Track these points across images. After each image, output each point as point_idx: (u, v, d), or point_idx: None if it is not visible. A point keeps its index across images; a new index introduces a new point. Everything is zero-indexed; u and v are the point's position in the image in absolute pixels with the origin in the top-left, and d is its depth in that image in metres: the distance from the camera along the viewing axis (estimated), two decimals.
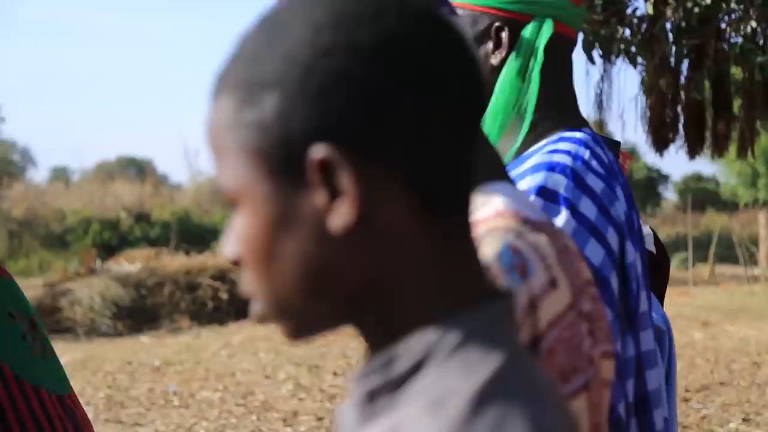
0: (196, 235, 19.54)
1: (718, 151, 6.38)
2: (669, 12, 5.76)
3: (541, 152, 1.32)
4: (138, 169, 54.70)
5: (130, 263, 12.22)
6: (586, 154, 1.30)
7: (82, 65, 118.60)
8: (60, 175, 52.71)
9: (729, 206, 30.36)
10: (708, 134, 6.30)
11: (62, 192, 29.68)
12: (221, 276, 11.95)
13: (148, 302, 11.26)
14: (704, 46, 5.83)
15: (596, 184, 1.28)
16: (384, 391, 0.67)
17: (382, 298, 0.67)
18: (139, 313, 11.04)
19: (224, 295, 11.70)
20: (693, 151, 6.30)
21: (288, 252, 0.66)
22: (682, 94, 6.17)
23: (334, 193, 0.64)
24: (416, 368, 0.65)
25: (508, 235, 0.94)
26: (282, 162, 0.65)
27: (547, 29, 1.33)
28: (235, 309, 11.76)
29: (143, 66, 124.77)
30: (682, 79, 6.13)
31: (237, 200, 0.68)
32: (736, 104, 6.49)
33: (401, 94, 0.64)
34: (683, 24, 5.82)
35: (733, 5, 5.86)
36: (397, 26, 0.65)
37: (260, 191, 0.66)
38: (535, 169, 1.27)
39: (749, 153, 6.41)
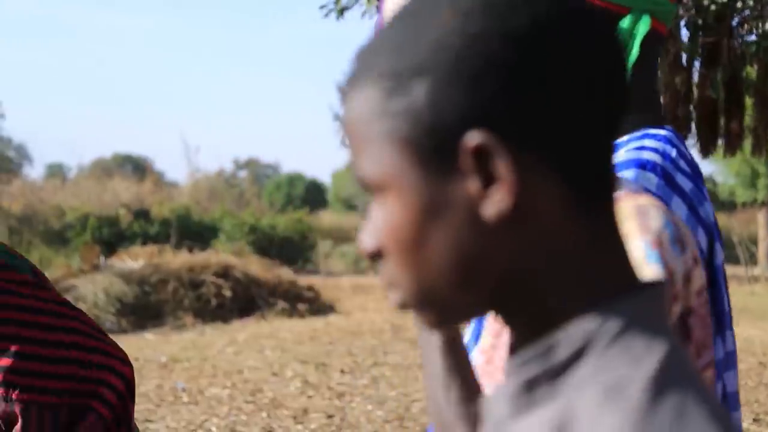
0: (196, 232, 19.52)
1: (731, 149, 6.36)
2: (683, 10, 5.75)
3: (625, 148, 1.29)
4: (134, 166, 54.70)
5: (133, 260, 12.19)
6: (674, 153, 1.28)
7: (76, 62, 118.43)
8: (56, 171, 52.69)
9: (727, 206, 30.44)
10: (721, 132, 6.29)
11: (59, 189, 29.64)
12: (224, 273, 11.94)
13: (152, 299, 11.23)
14: (719, 43, 5.82)
15: (685, 184, 1.26)
16: (544, 380, 0.65)
17: (532, 287, 0.66)
18: (142, 309, 11.01)
19: (227, 293, 11.68)
20: (706, 150, 6.28)
21: (437, 240, 0.65)
22: (696, 92, 6.16)
23: (488, 181, 0.63)
24: (577, 356, 0.64)
25: (665, 210, 0.94)
26: (433, 149, 0.64)
27: (645, 24, 1.30)
28: (239, 306, 11.75)
29: (139, 64, 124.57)
30: (696, 77, 6.12)
31: (382, 190, 0.67)
32: (749, 103, 6.49)
33: (553, 80, 0.64)
34: (699, 21, 5.81)
35: (749, 2, 5.85)
36: (548, 11, 0.64)
37: (409, 180, 0.65)
38: (625, 165, 1.25)
39: (764, 152, 6.41)
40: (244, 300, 11.89)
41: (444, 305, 0.68)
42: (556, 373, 0.65)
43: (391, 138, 0.65)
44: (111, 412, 1.93)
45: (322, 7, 6.71)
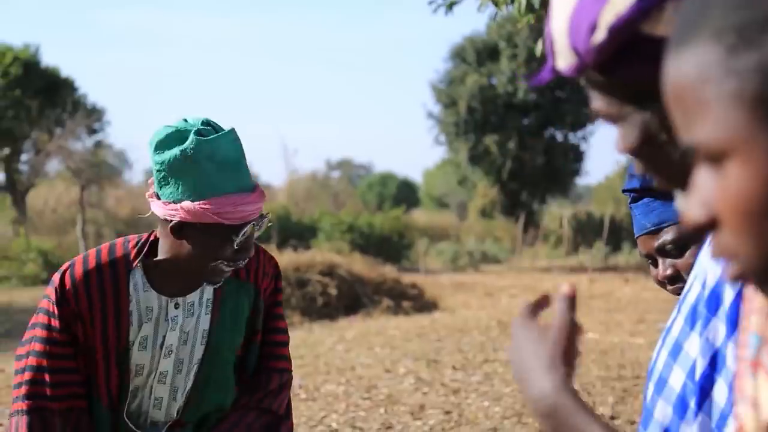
0: (296, 232, 19.78)
1: None
2: None
3: None
4: None
5: None
6: None
7: (172, 69, 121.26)
8: None
9: None
10: None
11: None
12: (330, 272, 12.05)
13: None
14: None
15: None
16: None
17: None
18: None
19: (333, 291, 11.78)
20: None
21: None
22: None
23: None
24: None
25: None
26: None
27: None
28: (344, 304, 11.84)
29: (230, 68, 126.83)
30: None
31: (723, 155, 0.64)
32: None
33: None
34: None
35: None
36: None
37: (762, 142, 0.62)
38: None
39: None
40: (350, 298, 11.97)
41: None
42: None
43: (738, 98, 0.62)
44: None
45: (431, 2, 6.70)
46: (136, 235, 2.09)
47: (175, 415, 2.12)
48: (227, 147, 1.87)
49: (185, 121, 1.92)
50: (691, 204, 0.68)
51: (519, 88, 28.04)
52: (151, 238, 2.04)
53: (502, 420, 6.26)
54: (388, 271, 13.35)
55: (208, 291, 2.07)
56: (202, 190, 1.85)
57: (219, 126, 1.93)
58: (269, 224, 2.03)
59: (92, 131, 26.26)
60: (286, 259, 12.30)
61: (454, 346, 9.20)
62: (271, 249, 13.41)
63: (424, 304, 12.52)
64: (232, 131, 1.91)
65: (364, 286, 12.16)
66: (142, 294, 2.02)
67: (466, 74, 28.84)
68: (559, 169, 29.57)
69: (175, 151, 1.84)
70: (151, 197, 1.93)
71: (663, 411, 1.23)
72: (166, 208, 1.88)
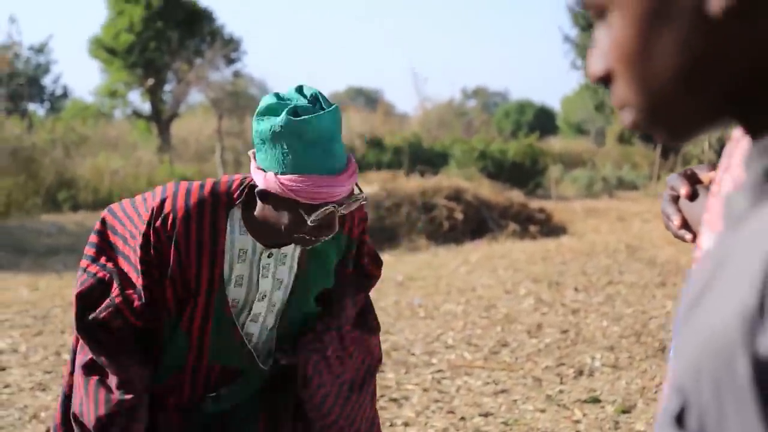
0: (427, 159, 19.85)
1: None
2: None
3: None
4: (366, 99, 56.11)
5: (368, 185, 12.60)
6: None
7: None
8: None
9: None
10: None
11: None
12: (456, 197, 12.09)
13: (387, 222, 11.59)
14: None
15: None
16: None
17: None
18: (378, 232, 11.39)
19: (459, 215, 11.83)
20: None
21: (663, 47, 0.64)
22: None
23: None
24: None
25: None
26: None
27: None
28: (470, 228, 11.89)
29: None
30: None
31: (605, 8, 0.67)
32: None
33: None
34: None
35: None
36: None
37: None
38: None
39: None
40: (476, 222, 12.01)
41: (676, 114, 0.67)
42: None
43: None
44: None
45: None
46: (241, 175, 2.08)
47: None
48: (320, 127, 1.84)
49: (297, 91, 1.91)
50: (591, 58, 0.71)
51: None
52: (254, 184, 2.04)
53: (619, 339, 6.22)
54: (515, 195, 13.28)
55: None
56: (287, 166, 1.86)
57: (324, 102, 1.90)
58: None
59: (230, 61, 26.90)
60: (413, 184, 12.42)
61: (579, 269, 9.14)
62: (400, 175, 13.54)
63: (552, 229, 12.42)
64: (332, 111, 1.87)
65: (490, 211, 12.16)
66: (237, 236, 2.04)
67: None
68: None
69: (267, 124, 1.86)
70: (252, 156, 1.95)
71: None
72: (257, 172, 1.92)
